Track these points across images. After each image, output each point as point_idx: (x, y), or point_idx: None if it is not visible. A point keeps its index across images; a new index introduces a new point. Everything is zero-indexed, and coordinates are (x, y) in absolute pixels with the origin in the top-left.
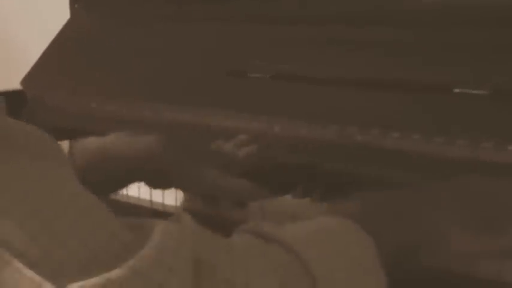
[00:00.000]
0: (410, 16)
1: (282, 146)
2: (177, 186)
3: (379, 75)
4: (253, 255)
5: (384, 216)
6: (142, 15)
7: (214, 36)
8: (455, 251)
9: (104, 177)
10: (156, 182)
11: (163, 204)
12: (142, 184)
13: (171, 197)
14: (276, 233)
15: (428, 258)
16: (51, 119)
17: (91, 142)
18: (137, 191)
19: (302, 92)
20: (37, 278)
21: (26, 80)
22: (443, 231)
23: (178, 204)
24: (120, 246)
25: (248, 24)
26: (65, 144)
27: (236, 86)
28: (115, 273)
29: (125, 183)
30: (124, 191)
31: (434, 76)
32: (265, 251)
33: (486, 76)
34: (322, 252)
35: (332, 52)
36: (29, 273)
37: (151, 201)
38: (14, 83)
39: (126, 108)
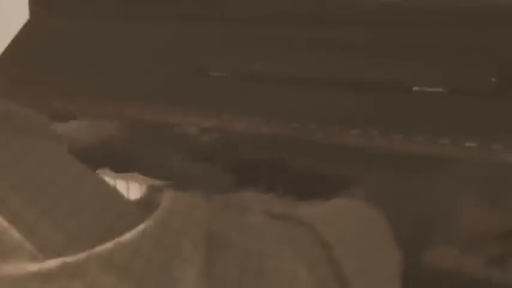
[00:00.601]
0: (370, 15)
1: (244, 143)
2: (140, 172)
3: (338, 73)
4: (266, 227)
5: (393, 198)
6: (103, 16)
7: (175, 35)
8: (466, 230)
9: None
10: (120, 167)
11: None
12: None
13: (135, 192)
14: (287, 211)
15: (440, 239)
16: None
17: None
18: None
19: (263, 90)
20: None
21: None
22: (454, 211)
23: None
24: (130, 216)
25: (209, 24)
26: None
27: (197, 84)
28: (125, 237)
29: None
30: None
31: (394, 74)
32: (277, 223)
33: (444, 74)
34: (335, 223)
35: (292, 51)
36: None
37: None
38: None
39: (88, 106)
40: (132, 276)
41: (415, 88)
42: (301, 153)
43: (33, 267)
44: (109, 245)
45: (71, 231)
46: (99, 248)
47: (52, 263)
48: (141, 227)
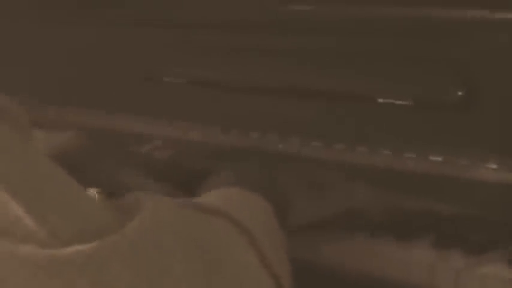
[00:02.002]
0: (336, 25)
1: (197, 153)
2: (93, 184)
3: (301, 83)
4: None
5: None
6: (55, 18)
7: (130, 40)
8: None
9: None
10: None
11: None
12: None
13: None
14: (202, 203)
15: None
16: None
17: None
18: None
19: (220, 98)
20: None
21: None
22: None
23: None
24: (109, 217)
25: (164, 29)
26: None
27: (151, 91)
28: (108, 239)
29: None
30: None
31: (359, 85)
32: (212, 217)
33: (410, 87)
34: (247, 211)
35: (256, 60)
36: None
37: None
38: None
39: (32, 111)
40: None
41: (380, 100)
42: (260, 164)
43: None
44: (93, 245)
45: (55, 225)
46: (83, 247)
47: (67, 250)
48: (124, 229)
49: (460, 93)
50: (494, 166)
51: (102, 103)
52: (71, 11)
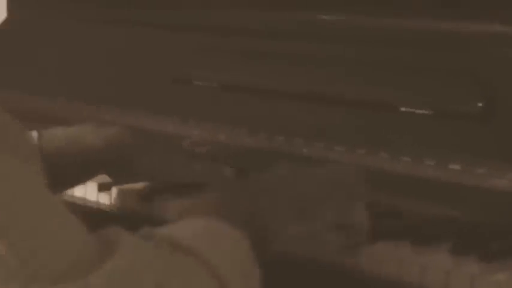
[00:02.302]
0: (363, 35)
1: (227, 154)
2: (142, 175)
3: (327, 90)
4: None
5: (234, 212)
6: (82, 17)
7: (161, 42)
8: (287, 234)
9: (71, 168)
10: (119, 172)
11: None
12: None
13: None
14: (184, 241)
15: (274, 242)
16: None
17: (59, 132)
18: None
19: (247, 102)
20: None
21: None
22: (277, 219)
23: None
24: (91, 255)
25: (196, 33)
26: (33, 134)
27: (181, 93)
28: (84, 281)
29: (93, 173)
30: None
31: (383, 94)
32: (179, 257)
33: (432, 97)
34: (219, 251)
35: (283, 65)
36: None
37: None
38: None
39: (65, 108)
40: None
41: (403, 109)
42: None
43: None
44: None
45: (35, 267)
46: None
47: None
48: (101, 271)
49: (480, 104)
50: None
51: (132, 103)
52: (104, 10)
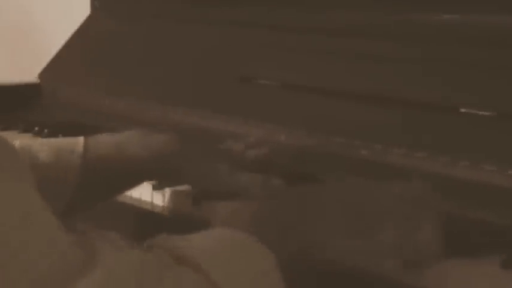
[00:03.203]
0: (423, 33)
1: (287, 155)
2: (189, 184)
3: (386, 90)
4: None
5: (273, 224)
6: (159, 16)
7: (229, 40)
8: (341, 250)
9: (117, 175)
10: (167, 180)
11: (152, 204)
12: None
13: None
14: (186, 250)
15: (320, 259)
16: (65, 113)
17: (105, 139)
18: None
19: (310, 102)
20: None
21: (43, 73)
22: (329, 233)
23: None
24: (70, 266)
25: (263, 31)
26: (79, 140)
27: (244, 91)
28: None
29: (137, 181)
30: None
31: (443, 94)
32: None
33: (494, 98)
34: (229, 270)
35: (342, 65)
36: None
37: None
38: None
39: (136, 108)
40: None
41: (463, 110)
42: (344, 170)
43: None
44: None
45: (13, 277)
46: None
47: None
48: (81, 284)
49: None
50: None
51: (195, 101)
52: (174, 9)
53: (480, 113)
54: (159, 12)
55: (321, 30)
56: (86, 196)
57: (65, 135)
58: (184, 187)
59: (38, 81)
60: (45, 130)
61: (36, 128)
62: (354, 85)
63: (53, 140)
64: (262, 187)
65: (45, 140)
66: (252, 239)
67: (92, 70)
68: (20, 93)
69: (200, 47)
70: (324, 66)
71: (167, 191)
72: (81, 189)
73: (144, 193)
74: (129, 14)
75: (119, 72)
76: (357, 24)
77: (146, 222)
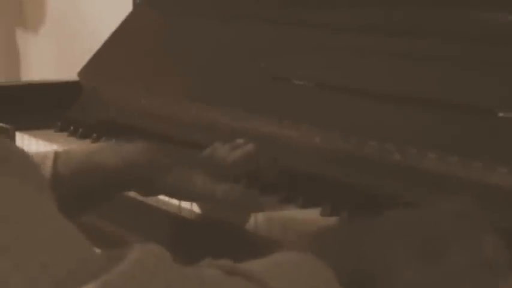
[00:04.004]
0: (462, 31)
1: (315, 157)
2: (165, 194)
3: (420, 91)
4: (223, 283)
5: (338, 249)
6: (201, 14)
7: (263, 38)
8: (408, 281)
9: (90, 188)
10: (145, 190)
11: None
12: None
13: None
14: (241, 266)
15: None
16: (103, 112)
17: (76, 152)
18: None
19: (345, 103)
20: None
21: (83, 71)
22: (394, 261)
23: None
24: (94, 267)
25: (300, 29)
26: (49, 153)
27: (279, 91)
28: (88, 287)
29: (112, 193)
30: None
31: (480, 97)
32: (231, 279)
33: None
34: (288, 282)
35: (378, 65)
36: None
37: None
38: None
39: (170, 107)
40: None
41: (501, 114)
42: (376, 174)
43: None
44: None
45: (33, 275)
46: None
47: None
48: (105, 277)
49: None
50: None
51: (229, 100)
52: (217, 6)
53: None
54: (198, 9)
55: (358, 28)
56: None
57: (98, 135)
58: None
59: (78, 79)
60: (80, 130)
61: (72, 128)
62: (391, 87)
63: None
64: (243, 200)
65: None
66: (313, 259)
67: (131, 68)
68: (61, 92)
69: (238, 45)
70: (360, 65)
71: None
72: None
73: None
74: (172, 11)
75: (157, 71)
76: (397, 22)
77: (175, 227)
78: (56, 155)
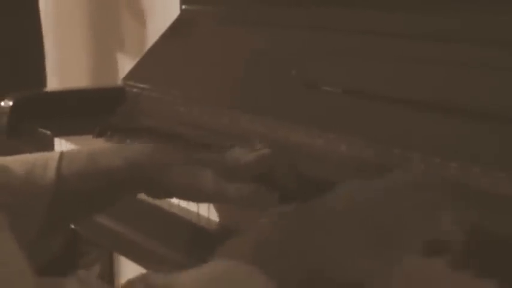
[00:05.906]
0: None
1: (340, 164)
2: (172, 195)
3: (446, 99)
4: None
5: (282, 246)
6: (243, 21)
7: (294, 43)
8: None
9: (95, 189)
10: (153, 192)
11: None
12: None
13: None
14: (161, 281)
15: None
16: (145, 119)
17: (80, 153)
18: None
19: (371, 110)
20: None
21: (127, 77)
22: (343, 249)
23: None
24: None
25: (330, 34)
26: (54, 155)
27: (307, 98)
28: None
29: (118, 195)
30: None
31: (507, 104)
32: None
33: None
34: None
35: (408, 71)
36: None
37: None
38: None
39: (207, 114)
40: None
41: None
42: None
43: None
44: None
45: None
46: None
47: None
48: None
49: None
50: None
51: (260, 108)
52: (257, 13)
53: None
54: (243, 17)
55: (388, 34)
56: (60, 215)
57: (133, 141)
58: None
59: (122, 85)
60: (116, 135)
61: (109, 133)
62: (420, 94)
63: (28, 155)
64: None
65: (18, 155)
66: (248, 270)
67: (174, 75)
68: (105, 98)
69: (272, 52)
70: (389, 71)
71: None
72: (55, 208)
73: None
74: (218, 18)
75: (198, 78)
76: (430, 29)
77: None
78: (61, 156)
